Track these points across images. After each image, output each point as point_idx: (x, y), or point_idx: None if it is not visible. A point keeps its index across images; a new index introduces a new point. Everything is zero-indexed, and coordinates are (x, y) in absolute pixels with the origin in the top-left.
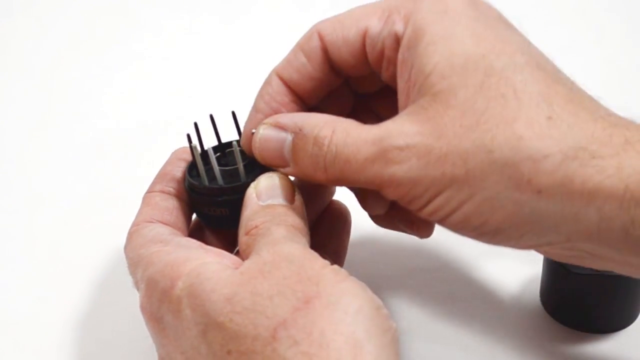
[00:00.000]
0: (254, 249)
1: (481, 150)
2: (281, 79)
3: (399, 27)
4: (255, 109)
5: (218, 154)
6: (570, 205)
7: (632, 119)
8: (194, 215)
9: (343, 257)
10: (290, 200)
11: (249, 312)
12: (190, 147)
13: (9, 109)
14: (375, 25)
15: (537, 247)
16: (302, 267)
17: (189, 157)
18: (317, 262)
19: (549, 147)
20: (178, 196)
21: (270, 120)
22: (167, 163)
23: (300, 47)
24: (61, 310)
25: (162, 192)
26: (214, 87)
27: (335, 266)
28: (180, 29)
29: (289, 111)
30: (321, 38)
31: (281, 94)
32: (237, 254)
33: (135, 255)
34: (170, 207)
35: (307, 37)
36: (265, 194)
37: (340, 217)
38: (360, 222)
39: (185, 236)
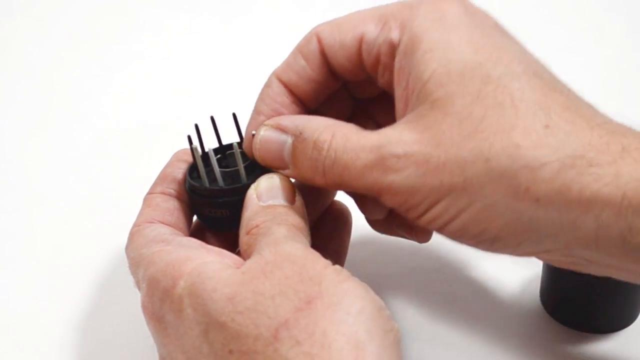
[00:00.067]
0: (255, 249)
1: (479, 158)
2: (281, 81)
3: (394, 35)
4: (256, 110)
5: (219, 156)
6: (567, 214)
7: (630, 125)
8: (195, 217)
9: (344, 257)
10: (291, 201)
11: (250, 312)
12: (191, 148)
13: (9, 109)
14: (371, 31)
15: (535, 254)
16: (304, 267)
17: (190, 159)
18: (319, 262)
19: (547, 155)
20: (179, 198)
21: (271, 121)
22: (168, 165)
23: (300, 49)
24: (61, 310)
25: (163, 193)
26: (214, 87)
27: (337, 266)
28: (180, 29)
29: (290, 112)
30: (320, 41)
31: (282, 95)
32: (238, 254)
33: (136, 254)
34: (171, 208)
35: (306, 40)
36: (265, 195)
37: (341, 218)
38: (361, 222)
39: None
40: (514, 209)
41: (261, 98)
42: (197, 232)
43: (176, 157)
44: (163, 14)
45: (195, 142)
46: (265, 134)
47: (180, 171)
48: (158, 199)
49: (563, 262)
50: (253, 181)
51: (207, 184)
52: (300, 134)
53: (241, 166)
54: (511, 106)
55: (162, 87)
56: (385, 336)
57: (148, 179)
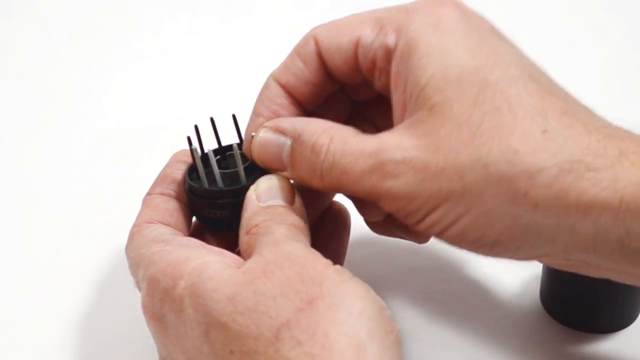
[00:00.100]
0: (255, 248)
1: (477, 164)
2: (279, 83)
3: (390, 40)
4: (255, 112)
5: (218, 157)
6: (566, 218)
7: (628, 129)
8: (194, 218)
9: (343, 257)
10: (290, 202)
11: (251, 312)
12: (191, 149)
13: (9, 109)
14: (367, 35)
15: (534, 258)
16: (305, 267)
17: (189, 160)
18: (320, 262)
19: (545, 160)
20: (178, 198)
21: (270, 123)
22: (167, 165)
23: (297, 51)
24: (61, 311)
25: (162, 194)
26: (213, 87)
27: (338, 266)
28: (180, 29)
29: (289, 114)
30: (317, 43)
31: (280, 96)
32: (238, 254)
33: (136, 255)
34: (170, 208)
35: (304, 42)
36: (265, 196)
37: (340, 218)
38: (360, 222)
39: None
40: (513, 214)
41: (260, 100)
42: (196, 233)
43: (175, 158)
44: (163, 14)
45: (195, 143)
46: (264, 135)
47: (179, 172)
48: (157, 199)
49: (562, 265)
50: (253, 182)
51: (206, 185)
52: (299, 136)
53: (241, 167)
54: (509, 111)
55: (162, 88)
56: (386, 337)
57: (148, 179)
